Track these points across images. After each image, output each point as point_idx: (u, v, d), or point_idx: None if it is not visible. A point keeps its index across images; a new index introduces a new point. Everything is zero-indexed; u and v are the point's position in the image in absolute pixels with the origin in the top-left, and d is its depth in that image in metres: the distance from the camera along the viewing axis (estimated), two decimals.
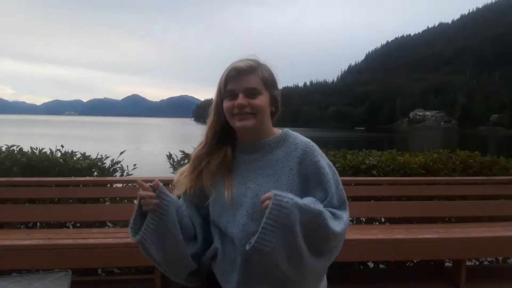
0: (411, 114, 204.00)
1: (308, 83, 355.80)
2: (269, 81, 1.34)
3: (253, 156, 1.36)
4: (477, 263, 4.11)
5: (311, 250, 1.21)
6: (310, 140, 1.38)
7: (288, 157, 1.33)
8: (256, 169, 1.34)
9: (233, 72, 1.30)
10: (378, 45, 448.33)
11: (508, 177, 4.19)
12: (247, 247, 1.16)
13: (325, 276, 1.42)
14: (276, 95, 1.37)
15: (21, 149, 4.08)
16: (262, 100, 1.32)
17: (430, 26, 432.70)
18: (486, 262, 4.15)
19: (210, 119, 1.38)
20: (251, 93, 1.30)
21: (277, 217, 1.12)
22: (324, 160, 1.36)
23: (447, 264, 3.84)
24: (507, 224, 3.76)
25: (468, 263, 3.61)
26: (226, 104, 1.32)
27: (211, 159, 1.37)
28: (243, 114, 1.30)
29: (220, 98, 1.34)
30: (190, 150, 4.08)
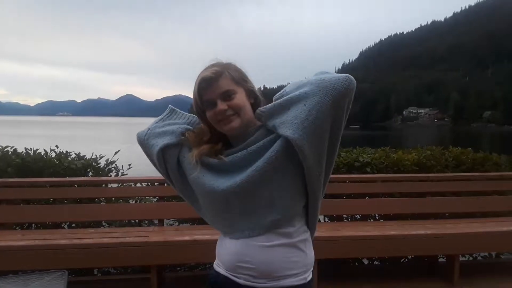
0: (404, 112, 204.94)
1: None
2: (238, 78, 1.37)
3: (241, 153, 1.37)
4: (471, 258, 4.15)
5: None
6: None
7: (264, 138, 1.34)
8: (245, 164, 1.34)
9: (203, 83, 1.33)
10: (372, 43, 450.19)
11: (500, 173, 4.23)
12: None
13: (310, 245, 1.42)
14: (250, 87, 1.41)
15: (15, 150, 4.07)
16: (239, 98, 1.35)
17: (423, 24, 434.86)
18: (479, 258, 4.20)
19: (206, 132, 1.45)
20: (227, 95, 1.33)
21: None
22: None
23: (440, 260, 3.87)
24: (500, 220, 3.81)
25: (461, 258, 3.64)
26: (209, 114, 1.35)
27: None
28: (227, 117, 1.33)
29: (200, 110, 1.39)
30: None
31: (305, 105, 1.22)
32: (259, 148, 1.31)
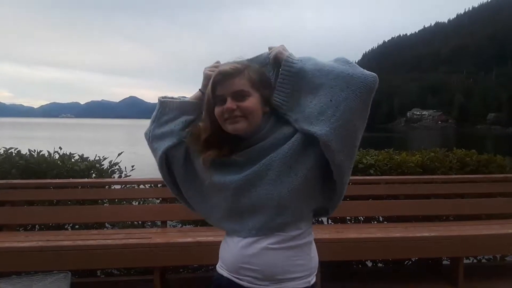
0: (408, 114, 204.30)
1: None
2: (257, 82, 1.31)
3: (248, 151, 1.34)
4: (475, 261, 4.12)
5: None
6: None
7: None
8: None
9: (219, 76, 1.29)
10: (375, 45, 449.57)
11: (504, 175, 4.21)
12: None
13: (313, 248, 1.42)
14: (268, 95, 1.34)
15: (19, 151, 4.08)
16: (252, 102, 1.29)
17: (426, 26, 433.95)
18: (484, 260, 4.18)
19: (206, 128, 1.35)
20: (240, 95, 1.28)
21: (288, 71, 1.28)
22: None
23: (445, 262, 3.86)
24: (504, 222, 3.78)
25: (465, 261, 3.62)
26: (217, 110, 1.31)
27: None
28: (234, 117, 1.29)
29: (210, 104, 1.33)
30: None
31: (331, 100, 1.21)
32: (273, 145, 1.29)
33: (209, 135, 1.34)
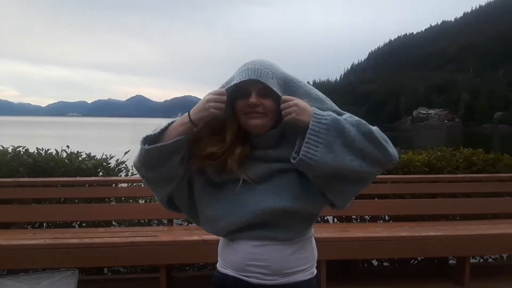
0: (414, 113, 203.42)
1: (311, 82, 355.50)
2: (282, 88, 1.31)
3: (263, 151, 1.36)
4: (481, 260, 4.10)
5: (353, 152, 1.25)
6: None
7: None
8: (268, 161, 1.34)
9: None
10: (381, 43, 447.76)
11: (511, 174, 4.18)
12: (293, 161, 1.24)
13: (313, 242, 1.45)
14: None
15: (27, 150, 4.11)
16: (273, 102, 1.30)
17: (433, 25, 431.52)
18: (490, 260, 4.16)
19: (229, 122, 1.32)
20: (264, 92, 1.29)
21: (317, 132, 1.21)
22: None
23: (451, 261, 3.84)
24: (511, 222, 3.77)
25: (472, 260, 3.61)
26: (240, 103, 1.31)
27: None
28: (256, 113, 1.29)
29: (233, 96, 1.32)
30: None
31: (361, 167, 1.25)
32: (283, 168, 1.32)
33: (234, 134, 1.32)
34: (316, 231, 1.50)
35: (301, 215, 1.35)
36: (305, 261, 1.39)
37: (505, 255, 4.04)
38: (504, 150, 5.09)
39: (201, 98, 1.31)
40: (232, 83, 1.29)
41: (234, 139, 1.32)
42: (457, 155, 4.44)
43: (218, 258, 1.47)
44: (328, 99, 1.39)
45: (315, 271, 1.44)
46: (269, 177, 1.33)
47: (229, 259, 1.41)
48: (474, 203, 3.94)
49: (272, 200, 1.30)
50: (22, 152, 4.05)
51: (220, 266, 1.45)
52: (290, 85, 1.34)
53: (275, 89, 1.28)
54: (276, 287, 1.34)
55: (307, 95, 1.34)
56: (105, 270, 3.81)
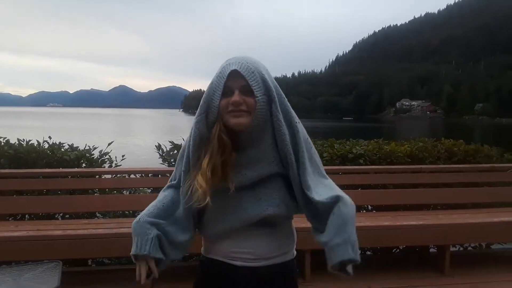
0: (397, 104, 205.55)
1: (296, 74, 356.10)
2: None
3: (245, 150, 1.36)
4: (461, 249, 4.20)
5: None
6: None
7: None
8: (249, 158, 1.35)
9: (234, 71, 1.27)
10: (366, 35, 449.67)
11: (491, 164, 4.28)
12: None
13: (293, 226, 1.49)
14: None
15: (8, 141, 4.05)
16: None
17: (416, 16, 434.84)
18: (470, 248, 4.26)
19: (215, 127, 1.31)
20: (248, 90, 1.27)
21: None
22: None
23: (432, 250, 3.92)
24: (491, 211, 3.86)
25: (452, 249, 3.69)
26: (223, 102, 1.28)
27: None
28: (239, 111, 1.27)
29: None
30: (179, 141, 4.08)
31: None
32: (268, 174, 1.33)
33: (226, 136, 1.30)
34: (301, 221, 1.51)
35: (286, 215, 1.40)
36: (287, 243, 1.44)
37: (484, 244, 4.14)
38: (484, 141, 5.19)
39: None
40: (219, 86, 1.28)
41: (221, 142, 1.30)
42: (439, 146, 4.51)
43: (202, 243, 1.49)
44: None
45: (295, 252, 1.48)
46: (255, 183, 1.33)
47: (213, 246, 1.43)
48: (455, 193, 4.01)
49: (259, 207, 1.32)
50: (3, 143, 3.98)
51: (204, 251, 1.48)
52: (271, 92, 1.31)
53: (255, 87, 1.27)
54: (260, 269, 1.38)
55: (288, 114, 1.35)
56: (89, 261, 3.79)
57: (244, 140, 1.32)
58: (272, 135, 1.33)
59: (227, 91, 1.29)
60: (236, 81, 1.27)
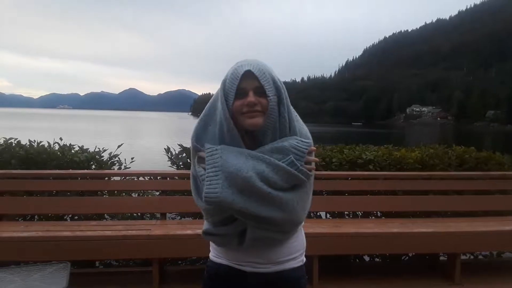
0: (408, 110, 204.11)
1: (305, 78, 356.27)
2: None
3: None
4: (472, 257, 4.15)
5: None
6: None
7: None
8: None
9: (247, 72, 1.28)
10: (376, 40, 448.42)
11: (503, 172, 4.22)
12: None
13: (302, 231, 1.49)
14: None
15: (19, 142, 4.08)
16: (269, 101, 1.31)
17: (427, 22, 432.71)
18: (480, 256, 4.20)
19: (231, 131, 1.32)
20: (262, 91, 1.28)
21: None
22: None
23: (442, 258, 3.88)
24: (502, 219, 3.81)
25: (462, 257, 3.64)
26: (237, 103, 1.29)
27: None
28: (253, 111, 1.28)
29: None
30: (187, 144, 4.09)
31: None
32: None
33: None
34: (309, 227, 1.52)
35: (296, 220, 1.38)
36: (296, 249, 1.44)
37: (495, 252, 4.09)
38: (495, 148, 5.13)
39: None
40: (232, 87, 1.29)
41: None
42: (450, 153, 4.46)
43: (211, 248, 1.49)
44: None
45: (304, 259, 1.48)
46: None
47: (222, 249, 1.43)
48: (465, 200, 3.97)
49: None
50: (14, 144, 4.02)
51: (213, 256, 1.47)
52: (280, 93, 1.32)
53: (268, 88, 1.28)
54: (269, 275, 1.38)
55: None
56: (97, 263, 3.81)
57: (260, 139, 1.34)
58: (277, 134, 1.34)
59: (240, 93, 1.29)
60: (249, 83, 1.29)
